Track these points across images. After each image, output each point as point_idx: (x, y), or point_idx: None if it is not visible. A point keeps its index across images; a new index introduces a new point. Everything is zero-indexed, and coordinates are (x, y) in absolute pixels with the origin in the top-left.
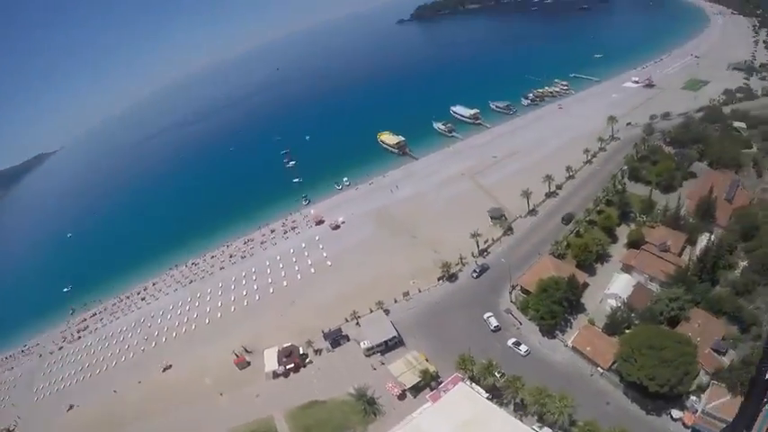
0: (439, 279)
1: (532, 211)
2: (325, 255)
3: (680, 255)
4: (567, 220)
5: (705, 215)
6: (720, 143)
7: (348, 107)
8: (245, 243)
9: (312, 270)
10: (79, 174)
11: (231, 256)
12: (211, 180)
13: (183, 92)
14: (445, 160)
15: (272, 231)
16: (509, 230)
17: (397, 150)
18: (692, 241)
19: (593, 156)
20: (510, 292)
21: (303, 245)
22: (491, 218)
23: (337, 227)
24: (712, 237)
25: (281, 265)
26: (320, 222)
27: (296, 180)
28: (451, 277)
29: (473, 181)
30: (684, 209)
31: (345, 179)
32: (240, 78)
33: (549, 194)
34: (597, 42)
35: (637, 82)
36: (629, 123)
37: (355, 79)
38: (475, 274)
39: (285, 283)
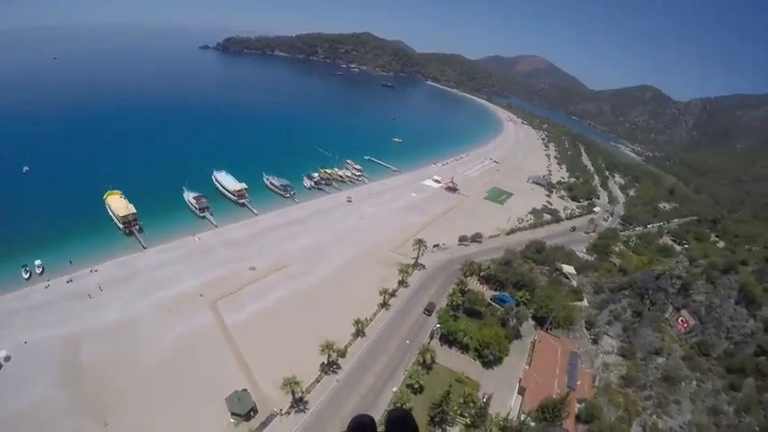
0: None
1: (301, 402)
2: None
3: None
4: (430, 311)
5: (553, 419)
6: (551, 294)
7: (96, 129)
8: None
9: None
10: None
11: None
12: None
13: None
14: (183, 259)
15: None
16: None
17: (122, 226)
18: None
19: (392, 295)
20: None
21: None
22: (231, 413)
23: None
24: None
25: None
26: None
27: None
28: None
29: (214, 313)
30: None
31: (38, 263)
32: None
33: (327, 367)
34: (397, 126)
35: (438, 181)
36: (436, 245)
37: (128, 93)
38: None
39: None
